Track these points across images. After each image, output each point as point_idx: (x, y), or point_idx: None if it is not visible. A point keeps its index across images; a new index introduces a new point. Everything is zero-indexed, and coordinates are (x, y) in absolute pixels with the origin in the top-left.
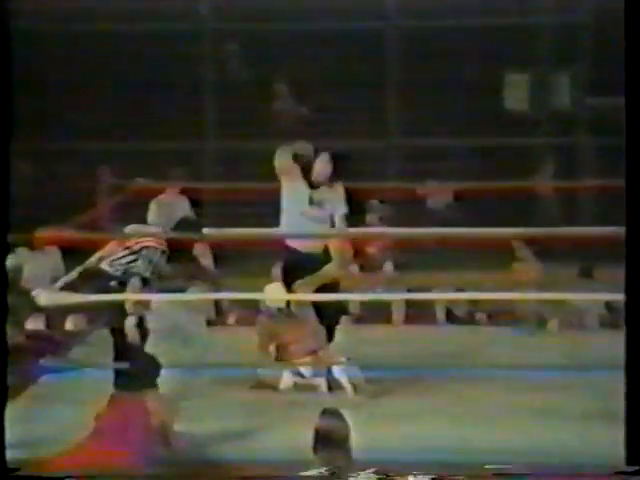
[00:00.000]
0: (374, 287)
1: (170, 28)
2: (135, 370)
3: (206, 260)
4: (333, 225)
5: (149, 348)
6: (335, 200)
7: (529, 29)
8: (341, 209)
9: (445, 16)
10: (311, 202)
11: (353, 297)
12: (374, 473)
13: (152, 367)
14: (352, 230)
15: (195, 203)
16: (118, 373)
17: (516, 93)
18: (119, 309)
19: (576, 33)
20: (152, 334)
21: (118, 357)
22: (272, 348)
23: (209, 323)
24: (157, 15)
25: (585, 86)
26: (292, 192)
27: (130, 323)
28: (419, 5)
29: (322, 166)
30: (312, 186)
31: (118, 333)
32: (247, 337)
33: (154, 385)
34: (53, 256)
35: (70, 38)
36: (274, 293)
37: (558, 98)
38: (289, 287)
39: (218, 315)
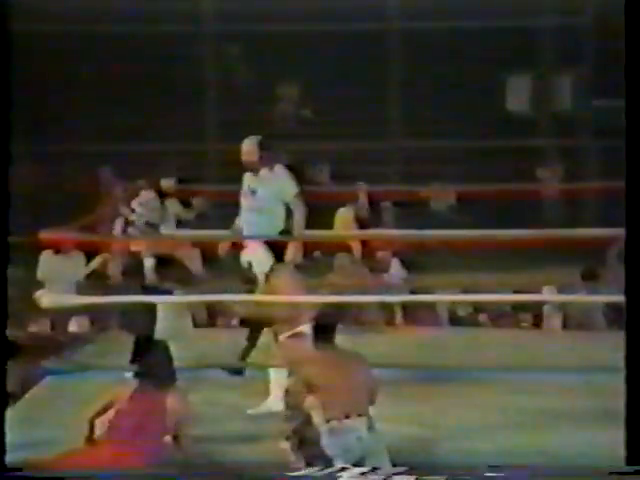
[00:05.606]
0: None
1: (171, 30)
2: (154, 363)
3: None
4: (289, 209)
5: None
6: (272, 184)
7: (531, 31)
8: (288, 191)
9: (447, 18)
10: (248, 191)
11: (351, 299)
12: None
13: (169, 360)
14: (353, 232)
15: (188, 204)
16: (139, 366)
17: (518, 95)
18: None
19: (578, 35)
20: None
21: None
22: None
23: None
24: (158, 17)
25: (587, 88)
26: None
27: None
28: (420, 7)
29: (245, 148)
30: (253, 175)
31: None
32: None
33: (174, 378)
34: (77, 260)
35: (70, 39)
36: None
37: (560, 100)
38: None
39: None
